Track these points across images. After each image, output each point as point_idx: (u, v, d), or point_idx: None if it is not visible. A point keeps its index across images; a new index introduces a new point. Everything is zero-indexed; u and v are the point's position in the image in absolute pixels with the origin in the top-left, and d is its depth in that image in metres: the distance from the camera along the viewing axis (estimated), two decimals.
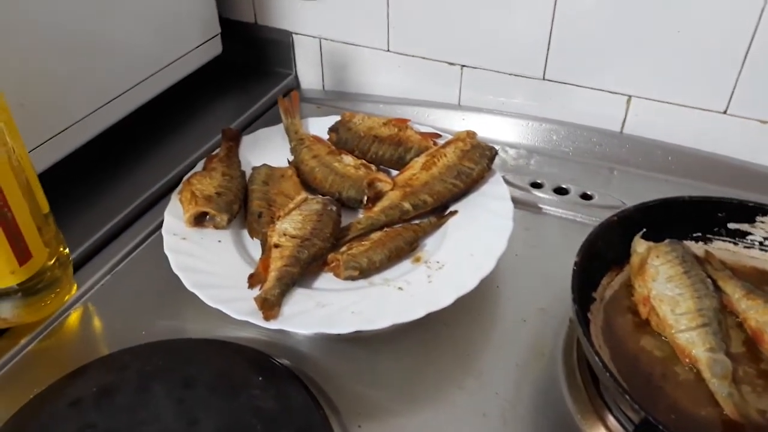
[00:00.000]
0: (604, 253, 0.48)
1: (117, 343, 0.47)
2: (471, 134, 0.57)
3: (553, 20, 0.61)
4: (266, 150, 0.61)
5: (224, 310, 0.44)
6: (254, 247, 0.52)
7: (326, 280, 0.49)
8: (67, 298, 0.49)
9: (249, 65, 0.78)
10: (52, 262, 0.47)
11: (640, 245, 0.48)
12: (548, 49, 0.63)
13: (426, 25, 0.66)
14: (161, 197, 0.60)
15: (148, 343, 0.46)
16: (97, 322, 0.50)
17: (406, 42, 0.69)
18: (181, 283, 0.48)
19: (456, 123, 0.68)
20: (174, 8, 0.65)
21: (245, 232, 0.53)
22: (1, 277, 0.44)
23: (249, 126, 0.70)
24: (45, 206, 0.47)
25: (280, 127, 0.63)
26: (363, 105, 0.72)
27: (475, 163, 0.54)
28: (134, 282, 0.52)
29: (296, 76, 0.77)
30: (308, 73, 0.76)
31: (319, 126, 0.63)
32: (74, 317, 0.50)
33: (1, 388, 0.45)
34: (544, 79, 0.65)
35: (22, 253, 0.44)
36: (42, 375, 0.45)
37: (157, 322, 0.49)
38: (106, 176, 0.61)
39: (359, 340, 0.47)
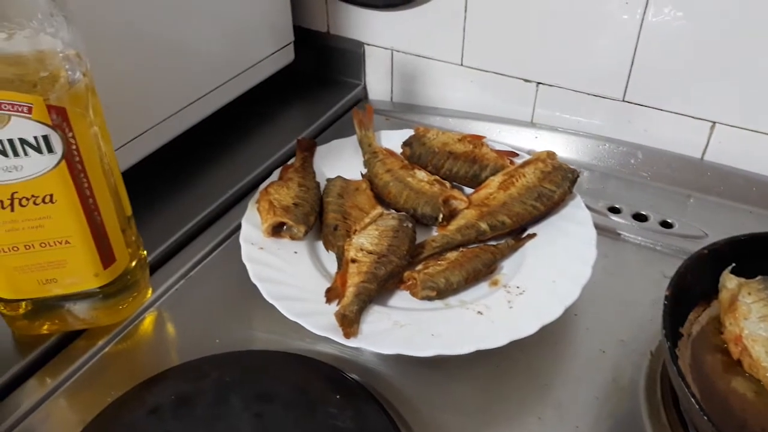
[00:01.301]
0: (692, 287, 0.46)
1: (191, 350, 0.47)
2: (551, 155, 0.55)
3: (638, 41, 0.60)
4: (339, 161, 0.60)
5: (303, 324, 0.44)
6: (328, 260, 0.52)
7: (401, 298, 0.48)
8: (143, 301, 0.50)
9: (318, 74, 0.78)
10: (133, 265, 0.47)
11: (730, 281, 0.46)
12: (630, 71, 0.61)
13: (503, 40, 0.65)
14: (234, 204, 0.60)
15: (225, 353, 0.45)
16: (170, 328, 0.50)
17: (481, 57, 0.68)
18: (253, 291, 0.48)
19: (528, 141, 0.67)
20: (251, 17, 0.66)
21: (320, 244, 0.53)
22: (84, 279, 0.45)
23: (318, 136, 0.70)
24: (128, 209, 0.47)
25: (353, 138, 0.63)
26: (432, 118, 0.71)
27: (557, 185, 0.53)
28: (207, 288, 0.52)
29: (365, 87, 0.76)
30: (377, 83, 0.76)
31: (392, 139, 0.62)
32: (148, 321, 0.50)
33: (79, 388, 0.45)
34: (623, 100, 0.63)
35: (106, 256, 0.44)
36: (118, 378, 0.46)
37: (231, 330, 0.49)
38: (179, 182, 0.62)
39: (432, 360, 0.46)
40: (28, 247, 0.42)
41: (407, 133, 0.62)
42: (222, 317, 0.50)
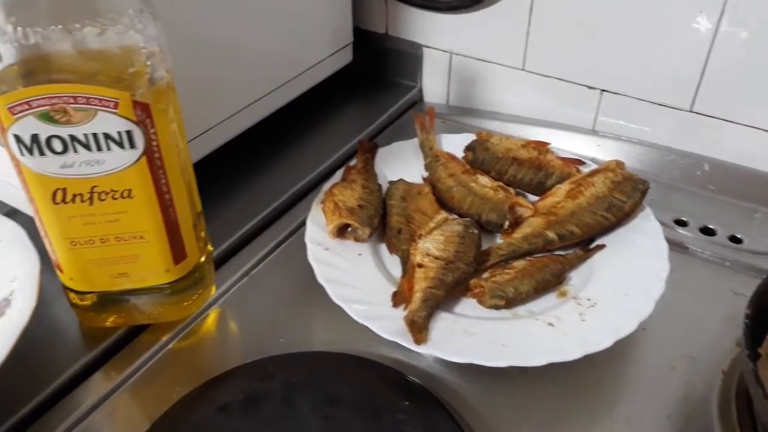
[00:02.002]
0: None
1: (254, 349, 0.47)
2: (621, 165, 0.54)
3: (710, 50, 0.58)
4: (399, 164, 0.60)
5: (372, 328, 0.44)
6: (392, 263, 0.51)
7: (467, 305, 0.48)
8: (207, 298, 0.50)
9: (374, 75, 0.78)
10: (202, 261, 0.48)
11: None
12: (700, 81, 0.60)
13: (568, 46, 0.64)
14: (294, 203, 0.60)
15: (291, 354, 0.45)
16: (233, 325, 0.50)
17: (543, 62, 0.67)
18: (315, 290, 0.48)
19: (590, 149, 0.66)
20: (315, 17, 0.66)
21: (383, 247, 0.52)
22: (155, 274, 0.45)
23: (374, 137, 0.70)
24: (198, 205, 0.47)
25: (413, 141, 0.63)
26: (489, 123, 0.71)
27: (627, 196, 0.52)
28: (269, 286, 0.52)
29: (420, 89, 0.76)
30: (434, 86, 0.75)
31: (452, 143, 0.62)
32: (211, 319, 0.50)
33: (144, 383, 0.45)
34: (691, 111, 0.62)
35: (178, 252, 0.44)
36: (182, 374, 0.46)
37: (293, 329, 0.49)
38: (240, 180, 0.62)
39: (496, 369, 0.45)
40: (103, 240, 0.42)
41: (468, 137, 0.62)
42: (284, 316, 0.50)
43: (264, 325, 0.49)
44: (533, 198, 0.56)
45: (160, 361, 0.47)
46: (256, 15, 0.58)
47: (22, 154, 0.38)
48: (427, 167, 0.59)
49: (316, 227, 0.52)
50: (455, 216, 0.53)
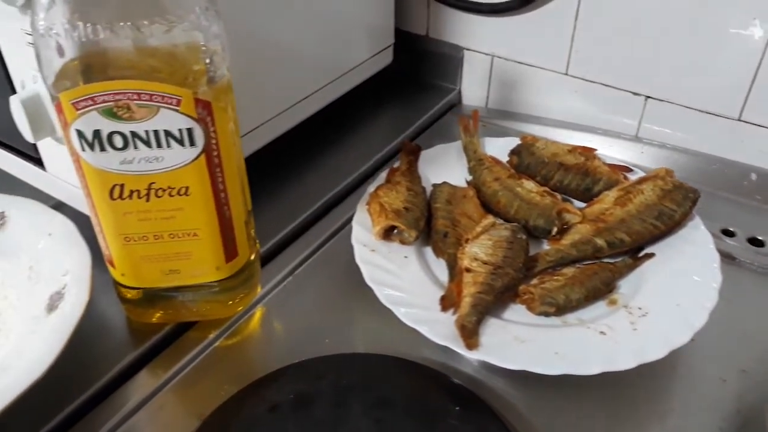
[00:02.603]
0: None
1: (300, 349, 0.46)
2: (670, 173, 0.53)
3: (762, 59, 0.57)
4: (442, 167, 0.59)
5: (422, 332, 0.43)
6: (437, 266, 0.51)
7: (515, 311, 0.47)
8: (254, 297, 0.50)
9: (412, 77, 0.77)
10: (251, 259, 0.47)
11: None
12: (750, 89, 0.59)
13: (614, 51, 0.64)
14: (335, 204, 0.60)
15: (340, 355, 0.45)
16: (279, 325, 0.50)
17: (588, 67, 0.66)
18: (359, 290, 0.48)
19: (633, 156, 0.65)
20: (359, 18, 0.66)
21: (428, 250, 0.52)
22: (206, 272, 0.45)
23: (413, 140, 0.69)
24: (249, 203, 0.47)
25: (456, 144, 0.62)
26: (530, 126, 0.70)
27: (678, 204, 0.51)
28: (313, 286, 0.52)
29: (459, 92, 0.75)
30: (473, 89, 0.74)
31: (495, 146, 0.61)
32: (257, 317, 0.50)
33: (191, 381, 0.45)
34: (739, 119, 0.61)
35: (230, 251, 0.44)
36: (230, 373, 0.46)
37: (339, 330, 0.49)
38: (281, 181, 0.62)
39: (544, 377, 0.45)
40: (157, 237, 0.42)
41: (511, 141, 0.61)
42: (328, 316, 0.50)
43: (308, 325, 0.49)
44: (579, 204, 0.56)
45: (206, 358, 0.47)
46: (303, 16, 0.58)
47: (83, 149, 0.38)
48: (471, 171, 0.58)
49: (362, 228, 0.52)
50: (501, 220, 0.53)
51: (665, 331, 0.43)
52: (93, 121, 0.37)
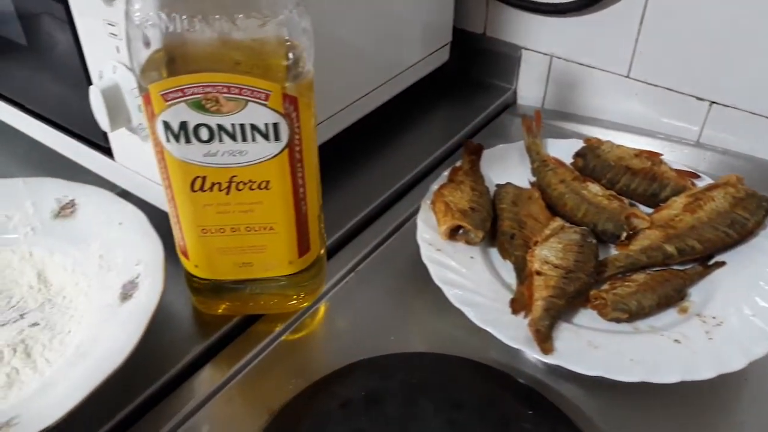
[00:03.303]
0: None
1: (366, 345, 0.46)
2: (741, 180, 0.52)
3: None
4: (504, 167, 0.59)
5: (495, 334, 0.43)
6: (503, 268, 0.50)
7: (585, 317, 0.47)
8: (320, 291, 0.50)
9: (467, 75, 0.77)
10: (321, 254, 0.47)
11: None
12: None
13: (679, 55, 0.63)
14: (394, 201, 0.60)
15: (408, 354, 0.45)
16: (342, 321, 0.49)
17: (651, 70, 0.65)
18: (421, 289, 0.48)
19: (694, 162, 0.64)
20: (419, 16, 0.66)
21: (493, 251, 0.52)
22: (279, 265, 0.45)
23: (469, 139, 0.69)
24: (320, 198, 0.47)
25: (518, 144, 0.62)
26: (587, 128, 0.69)
27: (751, 213, 0.50)
28: (375, 283, 0.52)
29: (515, 91, 0.75)
30: (529, 89, 0.74)
31: (557, 148, 0.60)
32: (321, 312, 0.50)
33: (260, 373, 0.45)
34: None
35: (303, 245, 0.44)
36: (296, 367, 0.46)
37: (403, 328, 0.48)
38: (339, 179, 0.62)
39: (610, 384, 0.44)
40: (234, 230, 0.42)
41: (574, 143, 0.61)
42: (392, 314, 0.50)
43: (372, 322, 0.49)
44: (645, 209, 0.55)
45: (273, 352, 0.47)
46: (365, 14, 0.58)
47: (168, 141, 0.39)
48: (535, 172, 0.58)
49: (427, 227, 0.51)
50: (569, 224, 0.52)
51: (743, 341, 0.43)
52: (180, 113, 0.37)
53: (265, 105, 0.37)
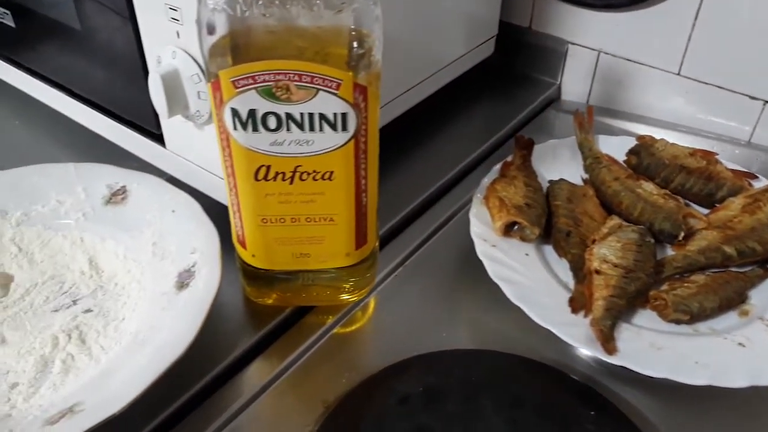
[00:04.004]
0: None
1: (418, 341, 0.46)
2: None
3: None
4: (555, 163, 0.58)
5: (557, 333, 0.42)
6: (558, 266, 0.49)
7: (644, 317, 0.46)
8: (372, 284, 0.49)
9: (510, 69, 0.76)
10: (375, 247, 0.47)
11: None
12: None
13: (733, 53, 0.61)
14: (439, 196, 0.59)
15: (468, 350, 0.44)
16: (393, 315, 0.49)
17: (703, 68, 0.64)
18: (472, 284, 0.48)
19: (746, 163, 0.62)
20: (467, 9, 0.65)
21: (548, 248, 0.51)
22: (336, 257, 0.44)
23: (513, 134, 0.68)
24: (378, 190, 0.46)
25: (567, 140, 0.61)
26: (633, 125, 0.68)
27: None
28: (425, 277, 0.51)
29: (559, 86, 0.74)
30: (575, 84, 0.73)
31: (609, 145, 0.59)
32: (371, 306, 0.49)
33: (313, 366, 0.45)
34: None
35: (361, 237, 0.44)
36: (348, 361, 0.46)
37: (454, 324, 0.48)
38: (383, 172, 0.61)
39: (666, 385, 0.43)
40: (294, 220, 0.42)
41: (625, 140, 0.60)
42: (441, 309, 0.49)
43: (421, 317, 0.49)
44: (700, 209, 0.54)
45: (325, 345, 0.46)
46: (414, 6, 0.57)
47: (235, 129, 0.38)
48: (588, 169, 0.57)
49: (480, 223, 0.51)
50: (626, 222, 0.51)
51: None
52: (250, 101, 0.37)
53: (335, 94, 0.37)
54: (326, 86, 0.36)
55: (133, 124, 0.54)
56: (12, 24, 0.59)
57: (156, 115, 0.51)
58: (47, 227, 0.50)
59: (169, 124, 0.51)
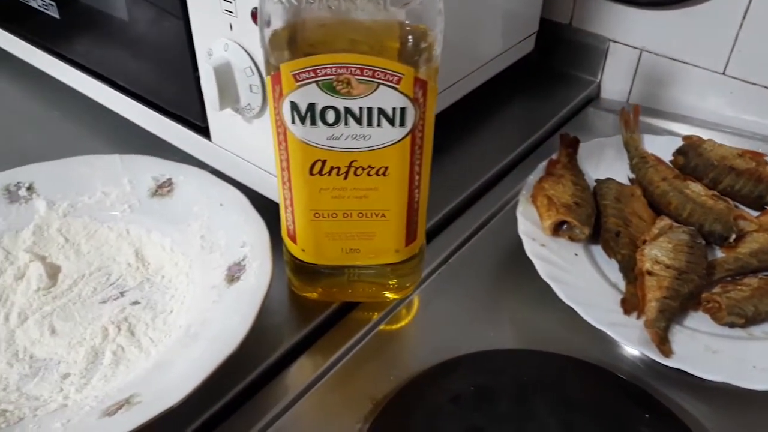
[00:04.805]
0: None
1: (465, 339, 0.45)
2: None
3: None
4: (600, 162, 0.57)
5: (611, 334, 0.42)
6: (607, 266, 0.49)
7: (697, 320, 0.45)
8: (417, 281, 0.49)
9: (548, 66, 0.75)
10: (423, 244, 0.47)
11: None
12: None
13: None
14: (482, 194, 0.59)
15: (518, 350, 0.44)
16: (438, 313, 0.48)
17: (749, 68, 0.63)
18: (517, 283, 0.48)
19: None
20: (511, 5, 0.64)
21: (595, 248, 0.50)
22: (385, 253, 0.44)
23: (553, 133, 0.67)
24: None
25: (613, 139, 0.60)
26: (675, 125, 0.67)
27: None
28: (469, 276, 0.51)
29: (599, 84, 0.73)
30: (615, 83, 0.72)
31: (655, 145, 0.59)
32: (416, 303, 0.49)
33: (359, 363, 0.45)
34: None
35: (411, 234, 0.43)
36: (395, 358, 0.45)
37: (500, 323, 0.47)
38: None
39: (716, 388, 0.42)
40: (346, 215, 0.42)
41: (671, 140, 0.59)
42: (487, 308, 0.49)
43: (467, 316, 0.48)
44: (749, 211, 0.53)
45: (371, 342, 0.46)
46: (458, 2, 0.57)
47: (293, 122, 0.38)
48: (634, 168, 0.56)
49: (528, 221, 0.50)
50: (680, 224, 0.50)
51: None
52: (310, 94, 0.36)
53: (395, 89, 0.36)
54: (387, 80, 0.36)
55: (178, 116, 0.54)
56: (56, 15, 0.59)
57: (202, 108, 0.51)
58: (93, 218, 0.50)
59: (215, 117, 0.51)
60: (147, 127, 0.58)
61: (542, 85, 0.73)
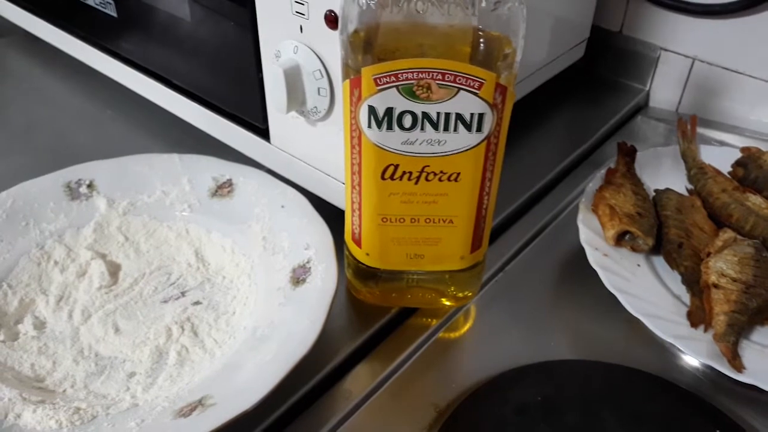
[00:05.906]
0: None
1: (525, 349, 0.45)
2: None
3: None
4: (655, 172, 0.57)
5: (680, 347, 0.41)
6: (669, 277, 0.48)
7: (761, 335, 0.44)
8: (476, 289, 0.48)
9: (597, 74, 0.74)
10: (485, 251, 0.46)
11: None
12: None
13: None
14: (535, 202, 0.58)
15: (582, 360, 0.43)
16: (497, 321, 0.48)
17: None
18: (576, 292, 0.48)
19: None
20: (563, 12, 0.64)
21: (657, 259, 0.49)
22: (450, 260, 0.44)
23: (603, 142, 0.67)
24: None
25: (670, 149, 0.59)
26: (727, 136, 0.66)
27: None
28: (526, 284, 0.50)
29: (648, 93, 0.72)
30: (664, 92, 0.71)
31: (712, 156, 0.58)
32: (473, 311, 0.49)
33: (421, 369, 0.44)
34: None
35: (476, 240, 0.43)
36: (456, 366, 0.45)
37: (560, 333, 0.47)
38: None
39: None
40: (414, 220, 0.41)
41: (727, 151, 0.58)
42: (545, 317, 0.48)
43: (526, 325, 0.48)
44: None
45: (430, 349, 0.46)
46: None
47: (369, 126, 0.38)
48: (692, 179, 0.55)
49: (589, 230, 0.49)
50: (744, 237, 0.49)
51: None
52: (389, 98, 0.36)
53: (476, 94, 0.36)
54: (468, 86, 0.36)
55: (237, 118, 0.54)
56: (114, 14, 0.59)
57: (263, 109, 0.51)
58: (153, 217, 0.50)
59: (276, 119, 0.50)
60: (203, 128, 0.58)
61: (591, 93, 0.73)
